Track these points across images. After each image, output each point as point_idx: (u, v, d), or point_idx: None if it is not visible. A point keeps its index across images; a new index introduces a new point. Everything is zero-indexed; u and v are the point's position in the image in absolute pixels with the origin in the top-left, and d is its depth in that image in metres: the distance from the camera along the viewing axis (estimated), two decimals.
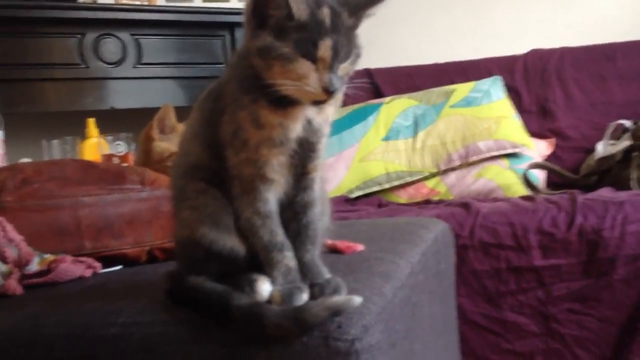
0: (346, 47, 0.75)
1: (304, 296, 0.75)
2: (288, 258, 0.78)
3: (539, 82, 2.67)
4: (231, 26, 2.86)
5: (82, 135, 2.15)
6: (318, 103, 0.77)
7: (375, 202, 2.30)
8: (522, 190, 2.23)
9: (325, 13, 0.74)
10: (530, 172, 2.25)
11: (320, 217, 0.86)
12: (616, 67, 2.60)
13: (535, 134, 2.55)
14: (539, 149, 2.49)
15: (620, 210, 1.70)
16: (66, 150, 2.06)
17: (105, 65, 2.66)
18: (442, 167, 2.39)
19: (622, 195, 1.85)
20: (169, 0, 3.07)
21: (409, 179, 2.41)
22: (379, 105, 2.60)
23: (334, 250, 1.07)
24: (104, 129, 2.09)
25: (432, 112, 2.49)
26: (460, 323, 1.61)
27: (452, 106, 2.49)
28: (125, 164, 1.84)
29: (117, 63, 2.69)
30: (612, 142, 2.29)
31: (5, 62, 2.52)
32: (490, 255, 1.75)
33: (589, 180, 2.25)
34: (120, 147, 1.89)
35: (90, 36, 2.63)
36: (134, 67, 2.72)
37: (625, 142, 2.17)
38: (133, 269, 1.17)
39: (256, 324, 0.71)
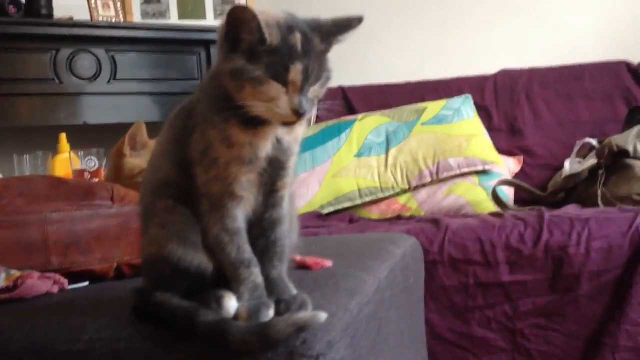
0: (317, 71, 0.77)
1: (270, 312, 0.75)
2: (255, 274, 0.79)
3: (508, 101, 2.73)
4: (206, 43, 2.86)
5: (54, 150, 2.14)
6: (288, 124, 0.78)
7: (347, 218, 2.31)
8: (491, 207, 2.26)
9: (296, 38, 0.76)
10: (499, 188, 2.28)
11: (289, 234, 0.87)
12: (583, 87, 2.66)
13: (505, 151, 2.59)
14: (508, 166, 2.53)
15: (585, 227, 1.73)
16: (37, 166, 2.05)
17: (80, 80, 2.65)
18: (414, 184, 2.42)
19: (588, 212, 1.88)
20: (144, 17, 3.07)
21: (380, 195, 2.43)
22: (352, 122, 2.62)
23: (302, 267, 1.07)
24: (77, 144, 2.08)
25: (404, 129, 2.52)
26: (429, 338, 1.62)
27: (423, 124, 2.52)
28: (96, 180, 1.84)
29: (92, 78, 2.68)
30: (579, 160, 2.33)
31: None
32: (459, 270, 1.77)
33: (557, 198, 2.29)
34: (92, 163, 1.88)
35: (65, 52, 2.62)
36: (108, 83, 2.72)
37: (591, 161, 2.21)
38: (100, 285, 1.17)
39: (222, 340, 0.72)
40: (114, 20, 2.88)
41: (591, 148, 2.33)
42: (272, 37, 0.75)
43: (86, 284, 1.18)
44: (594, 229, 1.73)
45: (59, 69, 2.61)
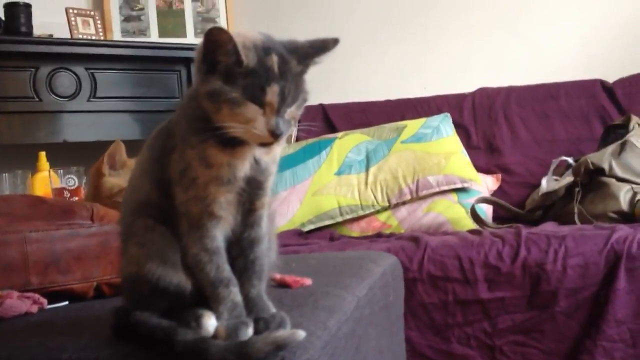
0: (293, 92, 0.78)
1: (249, 331, 0.75)
2: (234, 293, 0.79)
3: (486, 120, 2.76)
4: (187, 61, 2.86)
5: (34, 168, 2.13)
6: (265, 145, 0.79)
7: (328, 235, 2.32)
8: (470, 224, 2.28)
9: (273, 60, 0.77)
10: (478, 206, 2.31)
11: (267, 252, 0.87)
12: (559, 105, 2.70)
13: (483, 169, 2.62)
14: (487, 184, 2.56)
15: (562, 244, 1.75)
16: (16, 184, 2.04)
17: (59, 98, 2.65)
18: (394, 201, 2.43)
19: (565, 229, 1.91)
20: (125, 35, 3.08)
21: (361, 213, 2.44)
22: (332, 140, 2.64)
23: (282, 285, 1.08)
24: (56, 163, 2.07)
25: (383, 147, 2.55)
26: (408, 355, 1.63)
27: (403, 142, 2.55)
28: (75, 198, 1.83)
29: (71, 96, 2.67)
30: (555, 177, 2.36)
31: None
32: (438, 288, 1.78)
33: (534, 215, 2.31)
34: (72, 181, 1.87)
35: (45, 70, 2.61)
36: (88, 101, 2.71)
37: (568, 178, 2.24)
38: (80, 305, 1.16)
39: (201, 359, 0.72)
40: (93, 37, 2.88)
41: (567, 166, 2.36)
42: (248, 58, 0.76)
43: (65, 303, 1.17)
44: (570, 246, 1.75)
45: (39, 87, 2.60)
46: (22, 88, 2.58)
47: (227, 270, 0.81)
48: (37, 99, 2.60)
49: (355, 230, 2.45)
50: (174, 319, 0.78)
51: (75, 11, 2.88)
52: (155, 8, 3.15)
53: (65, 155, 2.54)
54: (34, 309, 1.07)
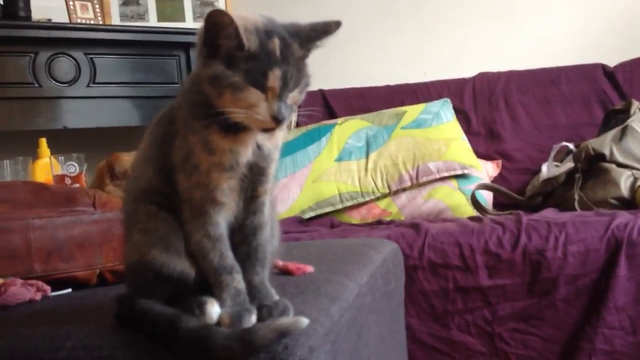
0: (295, 76, 0.77)
1: (252, 318, 0.75)
2: (237, 281, 0.79)
3: (486, 105, 2.75)
4: (186, 46, 2.84)
5: (34, 155, 2.13)
6: (267, 130, 0.79)
7: (328, 222, 2.32)
8: (470, 211, 2.29)
9: (275, 44, 0.76)
10: (478, 192, 2.30)
11: (270, 239, 0.87)
12: (560, 90, 2.69)
13: (483, 155, 2.62)
14: (487, 170, 2.56)
15: (562, 231, 1.76)
16: (18, 171, 2.03)
17: (59, 84, 2.64)
18: (394, 188, 2.43)
19: (565, 216, 1.91)
20: (123, 19, 3.06)
21: (361, 200, 2.44)
22: (332, 126, 2.63)
23: (284, 272, 1.08)
24: (57, 149, 2.07)
25: (383, 133, 2.54)
26: (409, 342, 1.64)
27: (403, 127, 2.54)
28: (77, 185, 1.83)
29: (71, 82, 2.66)
30: (556, 163, 2.36)
31: None
32: (438, 275, 1.78)
33: (534, 201, 2.31)
34: (72, 168, 1.87)
35: (44, 55, 2.60)
36: (88, 87, 2.70)
37: (568, 164, 2.24)
38: (83, 292, 1.16)
39: (204, 346, 0.72)
40: (92, 22, 2.86)
41: (568, 152, 2.36)
42: (250, 42, 0.75)
43: (69, 290, 1.18)
44: (571, 232, 1.75)
45: (38, 73, 2.59)
46: (21, 74, 2.56)
47: (230, 257, 0.81)
48: (36, 85, 2.59)
49: (355, 218, 2.45)
50: (178, 306, 0.79)
51: None
52: None
53: (66, 141, 2.53)
54: (38, 296, 1.08)
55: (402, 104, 2.72)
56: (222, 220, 0.82)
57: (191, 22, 3.14)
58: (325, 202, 2.44)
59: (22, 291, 1.04)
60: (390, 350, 1.32)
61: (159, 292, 0.81)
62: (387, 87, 2.93)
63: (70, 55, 2.66)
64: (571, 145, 2.36)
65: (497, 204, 2.43)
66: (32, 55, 2.59)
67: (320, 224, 2.29)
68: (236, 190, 0.82)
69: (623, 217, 1.78)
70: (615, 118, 2.35)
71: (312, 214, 2.44)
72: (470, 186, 2.36)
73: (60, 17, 2.80)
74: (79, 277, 1.19)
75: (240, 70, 0.75)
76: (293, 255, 1.15)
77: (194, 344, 0.73)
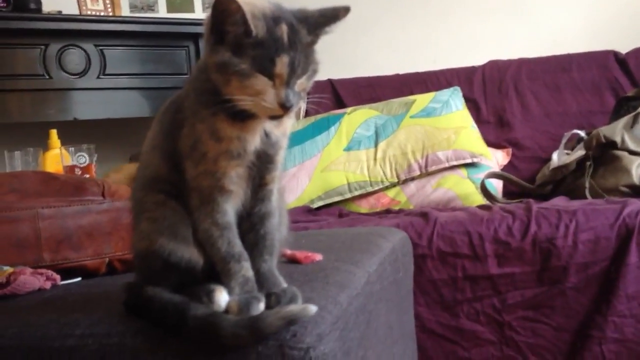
0: (303, 63, 0.77)
1: (261, 306, 0.75)
2: (245, 268, 0.79)
3: (496, 93, 2.74)
4: (195, 37, 2.85)
5: (45, 146, 2.14)
6: (275, 118, 0.78)
7: (337, 212, 2.32)
8: (479, 200, 2.28)
9: (282, 30, 0.76)
10: (487, 181, 2.30)
11: (278, 227, 0.87)
12: (571, 77, 2.67)
13: (493, 143, 2.60)
14: (497, 158, 2.55)
15: (573, 219, 1.75)
16: (28, 162, 2.04)
17: (69, 75, 2.64)
18: (403, 177, 2.43)
19: (575, 204, 1.90)
20: (133, 11, 3.06)
21: (369, 189, 2.44)
22: (341, 115, 2.63)
23: (293, 260, 1.08)
24: (67, 140, 2.08)
25: (392, 123, 2.53)
26: (417, 331, 1.63)
27: (412, 116, 2.53)
28: (86, 176, 1.84)
29: (81, 74, 2.67)
30: (567, 151, 2.35)
31: None
32: (447, 263, 1.78)
33: (544, 190, 2.30)
34: (83, 159, 1.88)
35: (54, 47, 2.61)
36: (98, 78, 2.71)
37: (579, 152, 2.22)
38: (92, 281, 1.17)
39: (213, 334, 0.72)
40: (102, 13, 2.87)
41: (579, 139, 2.34)
42: (257, 28, 0.74)
43: (78, 279, 1.18)
44: (581, 220, 1.74)
45: (49, 64, 2.60)
46: (32, 65, 2.58)
47: (238, 245, 0.81)
48: (47, 77, 2.60)
49: (364, 207, 2.45)
50: (186, 294, 0.79)
51: None
52: None
53: (76, 132, 2.54)
54: (47, 285, 1.08)
55: (412, 93, 2.71)
56: (230, 208, 0.82)
57: (200, 12, 3.14)
58: (334, 191, 2.43)
59: (31, 280, 1.05)
60: (398, 339, 1.32)
61: (167, 280, 0.82)
62: (397, 76, 2.92)
63: (80, 47, 2.67)
64: (582, 133, 2.34)
65: (507, 193, 2.42)
66: (43, 47, 2.60)
67: (328, 214, 2.29)
68: (244, 178, 0.82)
69: (634, 204, 1.77)
70: (627, 105, 2.33)
71: (320, 203, 2.44)
72: (480, 175, 2.35)
73: (71, 9, 2.81)
74: (88, 266, 1.20)
75: (247, 57, 0.74)
76: (301, 245, 1.15)
77: (202, 332, 0.73)
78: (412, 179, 2.44)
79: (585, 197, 2.07)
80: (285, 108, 0.76)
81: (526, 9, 2.98)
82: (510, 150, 2.62)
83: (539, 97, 2.69)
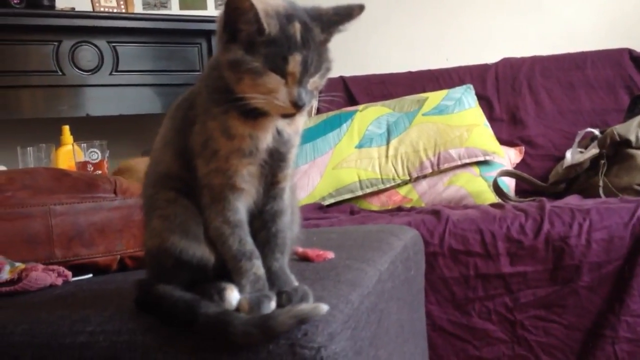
0: (316, 61, 0.76)
1: (272, 304, 0.75)
2: (256, 267, 0.79)
3: (509, 91, 2.72)
4: (207, 34, 2.86)
5: (57, 142, 2.15)
6: (287, 116, 0.78)
7: (348, 209, 2.31)
8: (492, 198, 2.27)
9: (295, 28, 0.75)
10: (500, 179, 2.28)
11: (290, 226, 0.87)
12: (585, 75, 2.66)
13: (506, 141, 2.59)
14: (509, 156, 2.53)
15: (586, 217, 1.73)
16: (41, 158, 2.05)
17: (82, 72, 2.66)
18: (414, 175, 2.42)
19: (589, 202, 1.89)
20: (145, 7, 3.07)
21: (381, 187, 2.43)
22: (353, 112, 2.62)
23: (304, 258, 1.08)
24: (79, 136, 2.09)
25: (405, 120, 2.52)
26: (429, 329, 1.63)
27: (424, 114, 2.52)
28: (99, 172, 1.85)
29: (94, 70, 2.68)
30: (580, 150, 2.33)
31: None
32: (459, 262, 1.77)
33: (558, 188, 2.29)
34: (95, 155, 1.89)
35: (67, 43, 2.62)
36: (110, 75, 2.72)
37: (593, 150, 2.21)
38: (103, 278, 1.17)
39: (223, 332, 0.72)
40: (115, 10, 2.88)
41: (593, 138, 2.32)
42: (270, 27, 0.74)
43: (90, 276, 1.19)
44: (595, 219, 1.73)
45: (62, 61, 2.62)
46: (45, 62, 2.59)
47: (249, 243, 0.81)
48: (60, 73, 2.62)
49: (375, 204, 2.44)
50: (197, 292, 0.79)
51: None
52: None
53: (88, 129, 2.55)
54: (59, 281, 1.09)
55: (424, 91, 2.71)
56: (241, 206, 0.82)
57: (213, 9, 3.16)
58: (345, 188, 2.43)
59: (43, 276, 1.05)
60: (409, 337, 1.32)
61: (179, 277, 0.82)
62: (409, 73, 2.91)
63: (93, 44, 2.68)
64: (596, 131, 2.32)
65: (519, 191, 2.41)
66: (56, 43, 2.61)
67: (340, 211, 2.28)
68: (256, 176, 0.82)
69: None
70: None
71: (332, 200, 2.44)
72: (492, 173, 2.34)
73: (84, 6, 2.82)
74: (100, 263, 1.20)
75: (260, 55, 0.74)
76: (313, 242, 1.15)
77: (212, 330, 0.73)
78: (424, 176, 2.43)
79: (599, 196, 2.05)
80: (297, 107, 0.75)
81: (540, 6, 2.96)
82: (523, 148, 2.60)
83: (553, 95, 2.68)
